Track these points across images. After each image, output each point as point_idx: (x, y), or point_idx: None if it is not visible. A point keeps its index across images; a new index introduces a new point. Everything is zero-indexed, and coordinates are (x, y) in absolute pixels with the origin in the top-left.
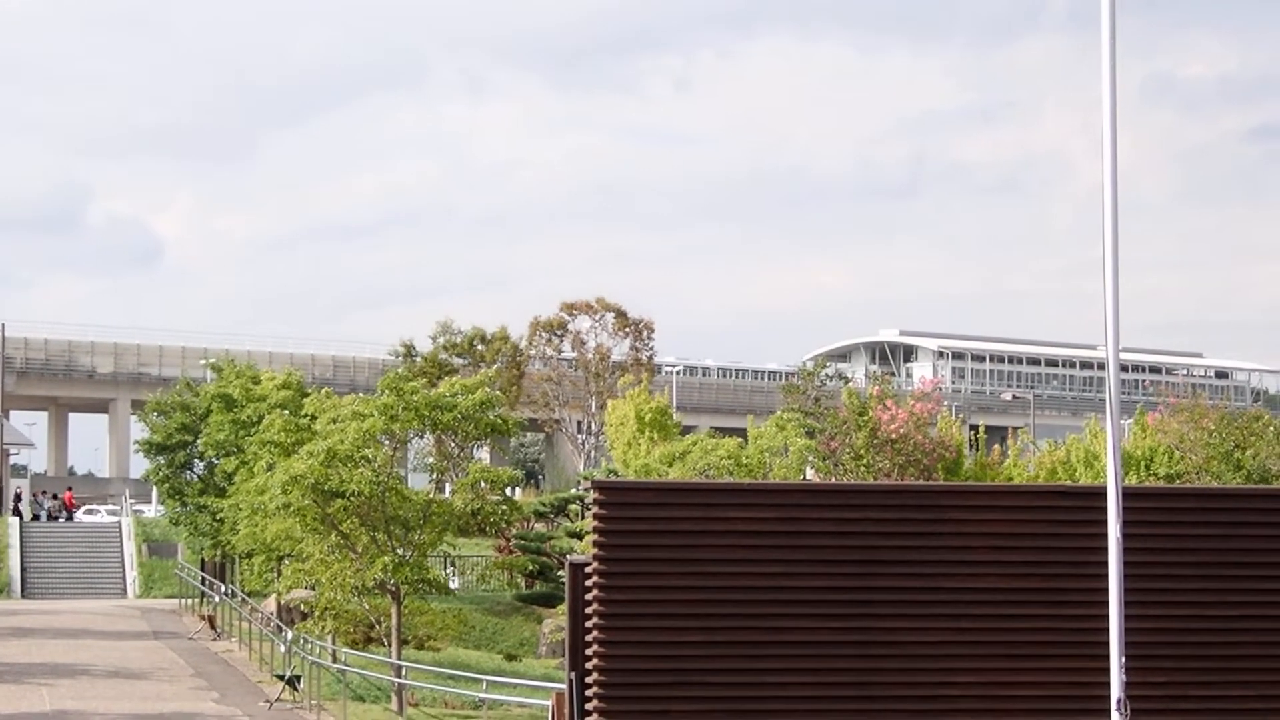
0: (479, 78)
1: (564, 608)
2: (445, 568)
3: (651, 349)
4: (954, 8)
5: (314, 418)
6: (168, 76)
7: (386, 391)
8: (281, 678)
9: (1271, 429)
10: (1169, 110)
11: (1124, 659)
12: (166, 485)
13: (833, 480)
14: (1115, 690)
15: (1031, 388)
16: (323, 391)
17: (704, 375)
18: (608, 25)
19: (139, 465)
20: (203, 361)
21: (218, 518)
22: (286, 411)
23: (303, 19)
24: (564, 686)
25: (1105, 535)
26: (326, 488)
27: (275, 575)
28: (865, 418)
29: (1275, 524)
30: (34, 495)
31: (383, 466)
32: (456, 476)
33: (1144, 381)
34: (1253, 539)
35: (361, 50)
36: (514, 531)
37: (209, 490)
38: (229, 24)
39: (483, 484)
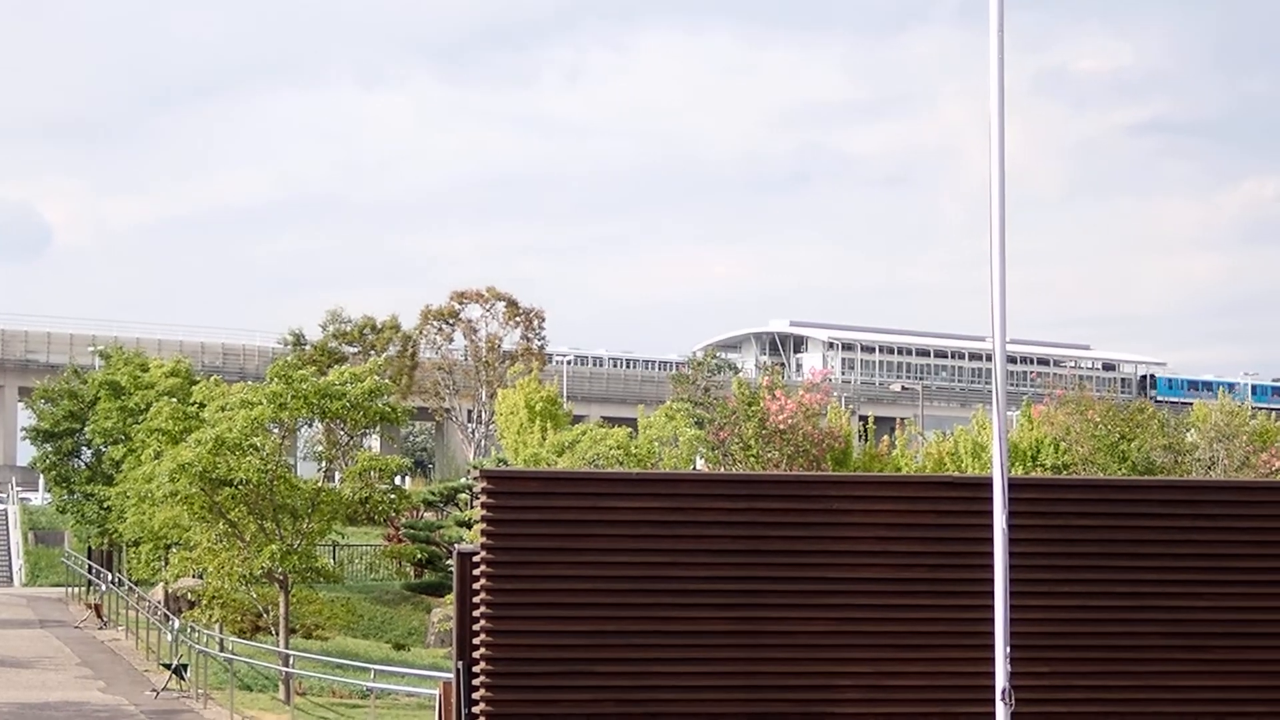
0: (371, 69)
1: (452, 597)
2: (333, 556)
3: (543, 338)
4: (842, 0)
5: (202, 405)
6: (56, 61)
7: (275, 379)
8: (168, 667)
9: (1156, 421)
10: (1061, 104)
11: (1009, 649)
12: (54, 473)
13: (722, 470)
14: (1000, 680)
15: (921, 379)
16: (211, 379)
17: (595, 365)
18: (499, 18)
19: (26, 452)
20: (91, 348)
21: (105, 506)
22: (175, 399)
23: (194, 6)
24: (452, 676)
25: (991, 526)
26: (214, 476)
27: (163, 564)
28: (754, 408)
29: (1159, 515)
30: None
31: (271, 455)
32: (345, 465)
33: (1032, 373)
34: (1137, 530)
35: (253, 39)
36: (403, 520)
37: (96, 478)
38: (118, 8)
39: (372, 473)
